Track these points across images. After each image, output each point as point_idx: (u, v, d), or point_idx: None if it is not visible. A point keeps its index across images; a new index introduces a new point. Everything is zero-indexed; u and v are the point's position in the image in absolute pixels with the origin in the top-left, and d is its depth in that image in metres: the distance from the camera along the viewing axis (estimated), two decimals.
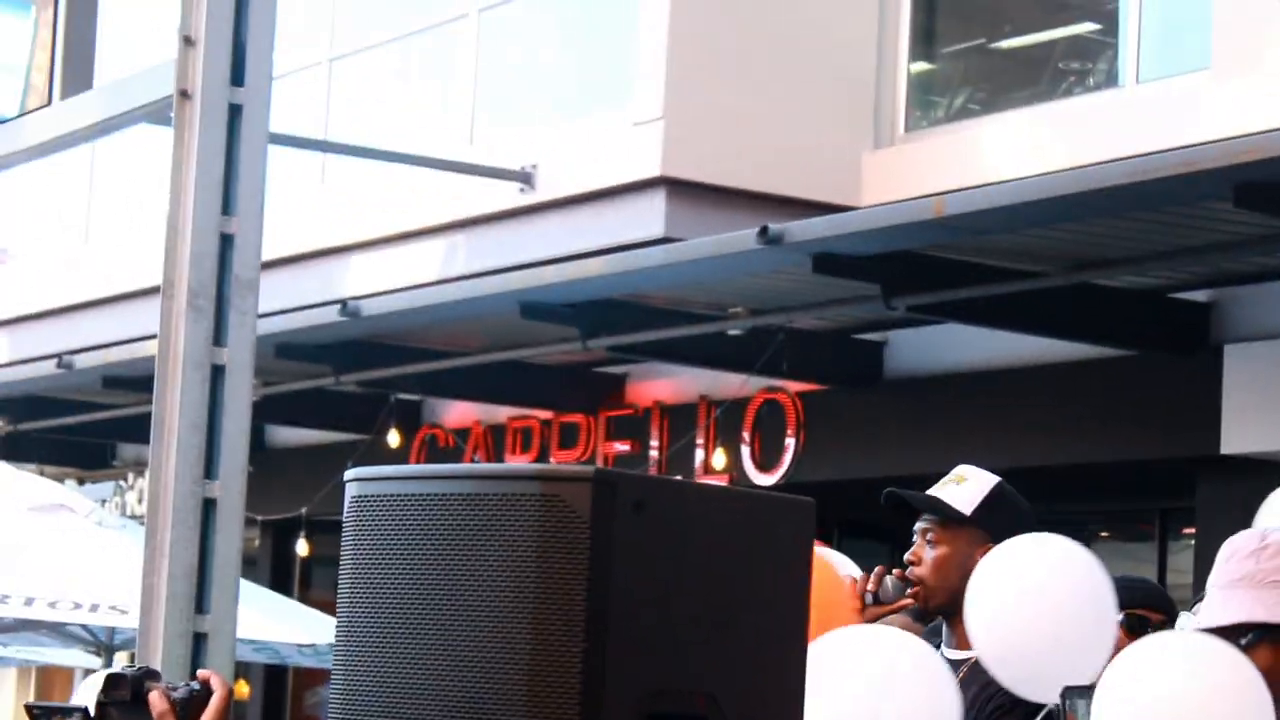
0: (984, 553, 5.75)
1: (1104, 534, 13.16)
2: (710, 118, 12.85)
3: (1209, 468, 11.22)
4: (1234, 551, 5.04)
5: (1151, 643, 5.23)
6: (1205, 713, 5.01)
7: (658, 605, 3.38)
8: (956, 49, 14.15)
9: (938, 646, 5.86)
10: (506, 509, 3.43)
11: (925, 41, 13.77)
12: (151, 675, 3.72)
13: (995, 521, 5.82)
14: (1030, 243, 10.72)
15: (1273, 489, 6.25)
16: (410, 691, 3.50)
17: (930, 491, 5.92)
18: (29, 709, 4.19)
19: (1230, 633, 5.03)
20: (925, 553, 5.86)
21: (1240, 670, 5.03)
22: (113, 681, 3.74)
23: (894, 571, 5.92)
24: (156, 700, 3.61)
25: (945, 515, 5.84)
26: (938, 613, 5.94)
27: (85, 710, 3.78)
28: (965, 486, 5.90)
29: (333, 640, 10.33)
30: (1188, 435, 11.09)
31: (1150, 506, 10.77)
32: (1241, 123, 10.45)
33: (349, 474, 3.75)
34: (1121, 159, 10.38)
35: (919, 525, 5.90)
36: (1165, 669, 5.10)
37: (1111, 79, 12.70)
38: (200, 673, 3.75)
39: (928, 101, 13.73)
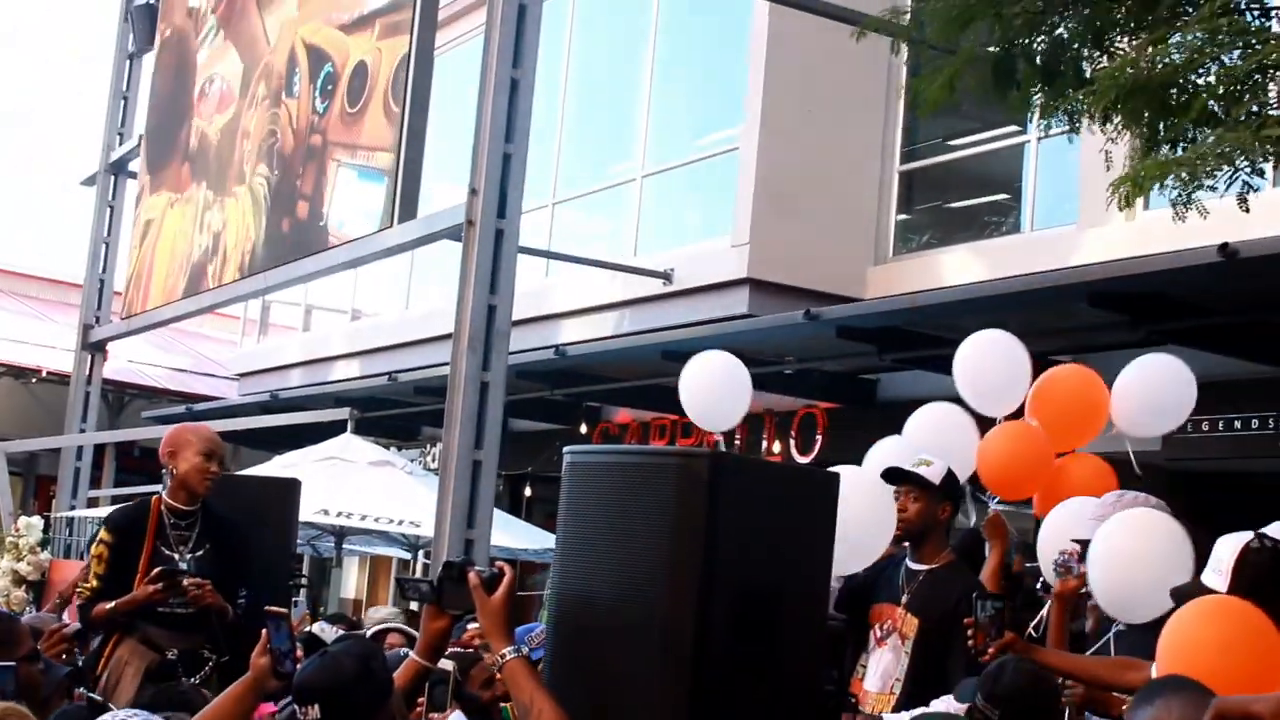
0: (943, 509, 5.81)
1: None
2: (777, 243, 12.87)
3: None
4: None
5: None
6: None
7: (745, 531, 3.46)
8: (924, 207, 14.11)
9: (904, 559, 5.91)
10: (658, 472, 3.51)
11: (906, 203, 13.75)
12: (469, 562, 3.75)
13: (952, 491, 5.88)
14: (964, 323, 10.66)
15: None
16: (598, 576, 3.58)
17: (908, 468, 5.95)
18: (399, 580, 4.22)
19: None
20: (910, 505, 5.88)
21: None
22: (448, 565, 3.78)
23: None
24: (472, 577, 3.64)
25: (924, 484, 5.86)
26: (912, 540, 5.95)
27: (431, 582, 3.82)
28: (933, 468, 5.92)
29: (545, 546, 10.19)
30: None
31: None
32: (1093, 255, 10.42)
33: (566, 450, 3.85)
34: (1021, 275, 10.36)
35: (904, 488, 5.92)
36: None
37: (1016, 228, 12.65)
38: (497, 562, 3.78)
39: (907, 238, 13.70)
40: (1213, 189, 6.10)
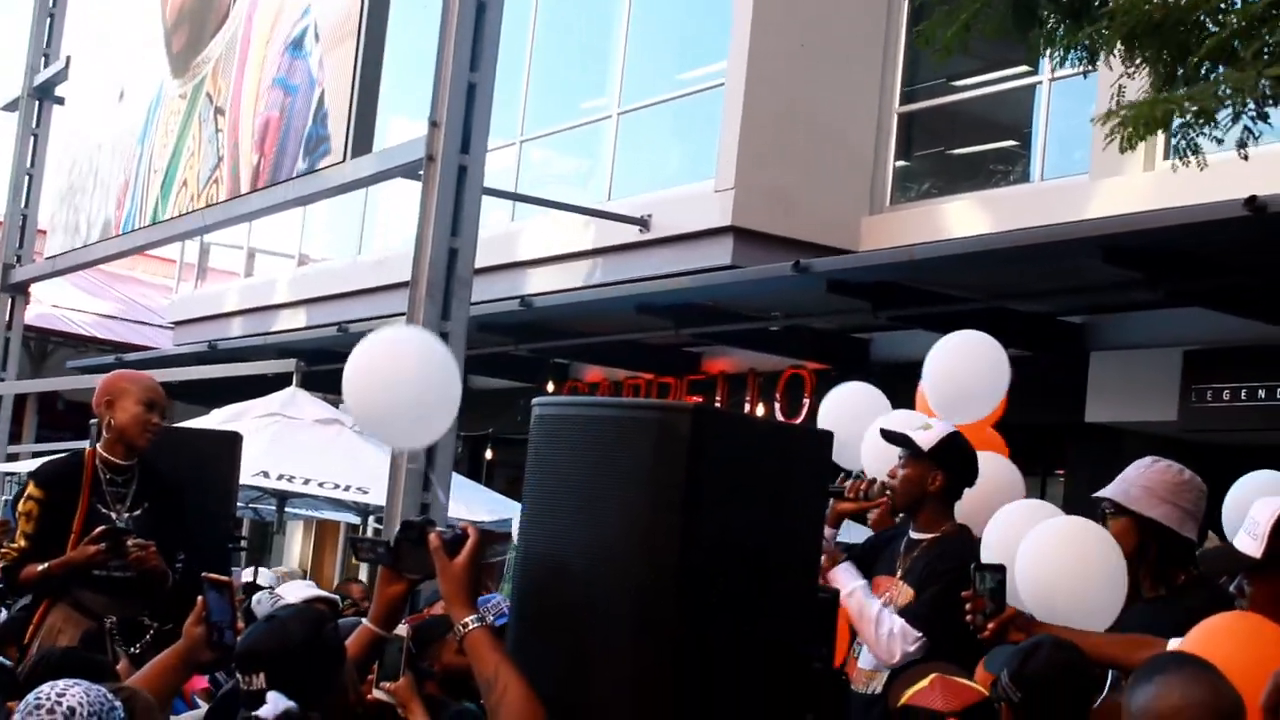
0: (933, 478, 5.73)
1: None
2: (764, 189, 12.85)
3: (1077, 431, 11.21)
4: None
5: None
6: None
7: (730, 492, 3.44)
8: (925, 153, 14.11)
9: (907, 530, 5.86)
10: (636, 427, 3.49)
11: (905, 147, 13.74)
12: (430, 523, 3.71)
13: (945, 458, 5.78)
14: (967, 279, 10.72)
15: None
16: (568, 540, 3.56)
17: (905, 431, 5.89)
18: (352, 541, 4.20)
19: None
20: (899, 472, 5.83)
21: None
22: (406, 525, 3.73)
23: (878, 481, 5.88)
24: (433, 539, 3.58)
25: (912, 450, 5.80)
26: (903, 511, 5.90)
27: (387, 543, 3.79)
28: (930, 432, 5.84)
29: (505, 516, 10.13)
30: (1064, 409, 11.06)
31: (1038, 461, 10.70)
32: (1108, 207, 10.43)
33: (535, 401, 3.81)
34: (1030, 228, 10.34)
35: (899, 453, 5.86)
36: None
37: (1025, 176, 12.65)
38: (460, 523, 3.74)
39: (905, 186, 13.70)
40: (1217, 139, 6.11)
